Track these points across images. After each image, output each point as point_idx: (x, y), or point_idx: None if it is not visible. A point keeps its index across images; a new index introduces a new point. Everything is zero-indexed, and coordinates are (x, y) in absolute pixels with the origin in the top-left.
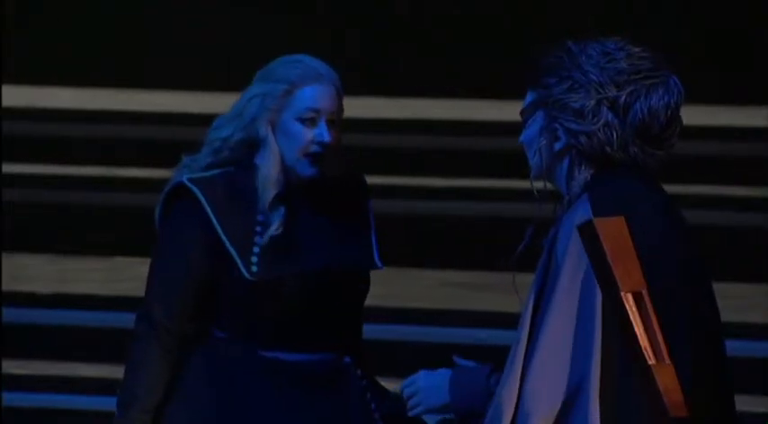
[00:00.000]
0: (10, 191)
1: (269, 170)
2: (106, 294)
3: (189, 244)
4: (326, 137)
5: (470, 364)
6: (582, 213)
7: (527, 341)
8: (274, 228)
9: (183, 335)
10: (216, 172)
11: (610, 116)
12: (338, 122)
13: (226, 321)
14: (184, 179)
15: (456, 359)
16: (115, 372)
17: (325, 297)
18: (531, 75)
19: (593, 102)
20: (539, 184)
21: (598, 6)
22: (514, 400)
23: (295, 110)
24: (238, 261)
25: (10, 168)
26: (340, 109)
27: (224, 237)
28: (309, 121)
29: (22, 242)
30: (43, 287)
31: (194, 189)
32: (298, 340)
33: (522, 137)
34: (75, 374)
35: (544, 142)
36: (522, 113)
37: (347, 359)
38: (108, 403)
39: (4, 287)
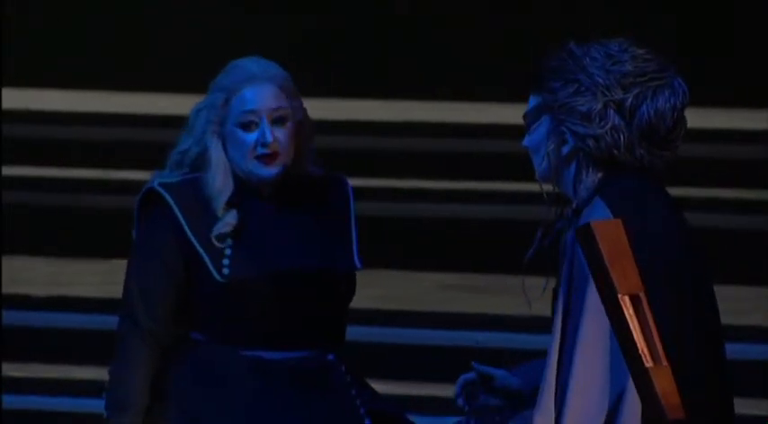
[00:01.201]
0: (7, 193)
1: (213, 181)
2: (104, 296)
3: (164, 249)
4: (268, 137)
5: (489, 370)
6: (599, 215)
7: (558, 354)
8: (219, 228)
9: (166, 337)
10: (184, 177)
11: (617, 119)
12: (290, 118)
13: (203, 323)
14: (155, 184)
15: (475, 365)
16: None
17: (301, 298)
18: (534, 78)
19: (599, 105)
20: (546, 188)
21: (596, 7)
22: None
23: (234, 116)
24: (209, 264)
25: (7, 170)
26: (285, 105)
27: (194, 240)
28: (251, 125)
29: (18, 245)
30: (40, 290)
31: (164, 193)
32: (277, 340)
33: (526, 142)
34: (73, 376)
35: (552, 146)
36: (525, 117)
37: (331, 357)
38: None
39: (2, 290)
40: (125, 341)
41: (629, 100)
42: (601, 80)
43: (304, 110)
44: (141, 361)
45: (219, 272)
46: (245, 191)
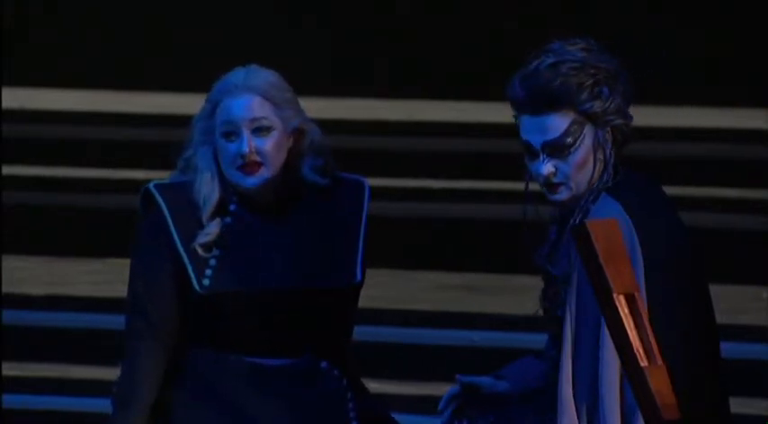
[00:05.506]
0: (7, 193)
1: (199, 189)
2: (103, 296)
3: (163, 249)
4: (244, 148)
5: (474, 380)
6: (611, 210)
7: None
8: (200, 238)
9: (174, 335)
10: (182, 180)
11: (623, 103)
12: (275, 128)
13: (190, 325)
14: (150, 185)
15: (459, 377)
16: (112, 374)
17: (284, 314)
18: (549, 100)
19: (620, 98)
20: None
21: (596, 8)
22: None
23: (218, 127)
24: (191, 272)
25: (7, 170)
26: (268, 115)
27: (180, 246)
28: (233, 135)
29: (18, 245)
30: (39, 290)
31: (156, 195)
32: (262, 348)
33: (574, 158)
34: (72, 376)
35: (607, 151)
36: (564, 137)
37: (324, 364)
38: (106, 405)
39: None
40: (134, 339)
41: (624, 84)
42: (613, 71)
43: (303, 117)
44: (150, 357)
45: (200, 282)
46: (242, 201)
